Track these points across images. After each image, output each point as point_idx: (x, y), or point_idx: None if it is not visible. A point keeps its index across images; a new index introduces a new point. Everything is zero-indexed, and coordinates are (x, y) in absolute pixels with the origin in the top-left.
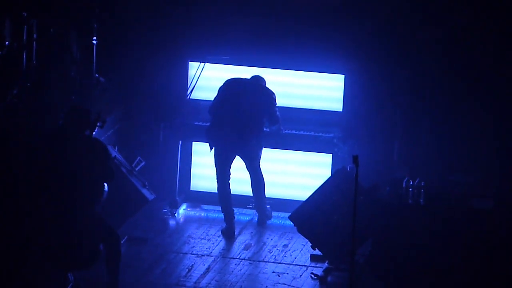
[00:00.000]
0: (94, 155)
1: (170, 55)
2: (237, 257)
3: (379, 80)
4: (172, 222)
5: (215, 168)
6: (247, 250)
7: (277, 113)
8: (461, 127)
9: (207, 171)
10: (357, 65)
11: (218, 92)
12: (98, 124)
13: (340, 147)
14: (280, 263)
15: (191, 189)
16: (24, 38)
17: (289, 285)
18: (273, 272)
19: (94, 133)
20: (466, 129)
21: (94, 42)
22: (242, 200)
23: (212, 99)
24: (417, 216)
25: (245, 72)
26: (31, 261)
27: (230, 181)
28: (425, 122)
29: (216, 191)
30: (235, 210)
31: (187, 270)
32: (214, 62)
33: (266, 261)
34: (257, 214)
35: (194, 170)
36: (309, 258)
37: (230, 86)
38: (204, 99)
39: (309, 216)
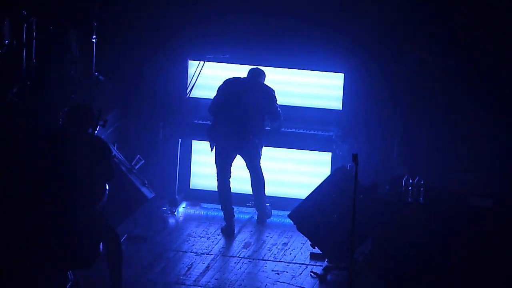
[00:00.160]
0: (95, 154)
1: (170, 53)
2: (237, 256)
3: (378, 78)
4: (171, 221)
5: (215, 167)
6: (246, 249)
7: (278, 109)
8: (460, 125)
9: (207, 170)
10: (356, 63)
11: (217, 92)
12: (100, 123)
13: (338, 145)
14: (279, 261)
15: (190, 187)
16: (24, 36)
17: (288, 284)
18: (272, 270)
19: (96, 131)
20: (466, 128)
21: (94, 40)
22: (241, 199)
23: (212, 97)
24: (416, 215)
25: (245, 70)
26: (31, 261)
27: (230, 180)
28: (424, 121)
29: (216, 190)
30: (235, 208)
31: (187, 268)
32: (213, 60)
33: (265, 260)
34: (256, 213)
35: (193, 169)
36: (309, 257)
37: (230, 86)
38: (204, 97)
39: (308, 214)
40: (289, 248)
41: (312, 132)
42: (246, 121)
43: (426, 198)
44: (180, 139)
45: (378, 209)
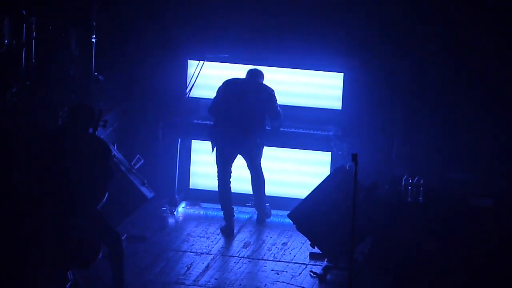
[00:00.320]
0: (95, 154)
1: (169, 53)
2: (236, 255)
3: (378, 78)
4: (171, 220)
5: (216, 166)
6: (246, 248)
7: (278, 108)
8: (460, 125)
9: (206, 169)
10: (356, 63)
11: (217, 92)
12: (100, 123)
13: (336, 143)
14: (279, 261)
15: (190, 187)
16: (24, 36)
17: (288, 283)
18: (272, 270)
19: (96, 131)
20: (466, 128)
21: (94, 40)
22: (241, 198)
23: (211, 97)
24: (416, 215)
25: (245, 70)
26: (31, 261)
27: (230, 180)
28: (424, 121)
29: (215, 189)
30: (234, 208)
31: (186, 268)
32: (213, 60)
33: (265, 259)
34: (256, 212)
35: (193, 168)
36: (308, 256)
37: (229, 87)
38: (203, 97)
39: (308, 214)
40: (288, 248)
41: (311, 131)
42: (247, 121)
43: (426, 198)
44: (179, 139)
45: (378, 209)
